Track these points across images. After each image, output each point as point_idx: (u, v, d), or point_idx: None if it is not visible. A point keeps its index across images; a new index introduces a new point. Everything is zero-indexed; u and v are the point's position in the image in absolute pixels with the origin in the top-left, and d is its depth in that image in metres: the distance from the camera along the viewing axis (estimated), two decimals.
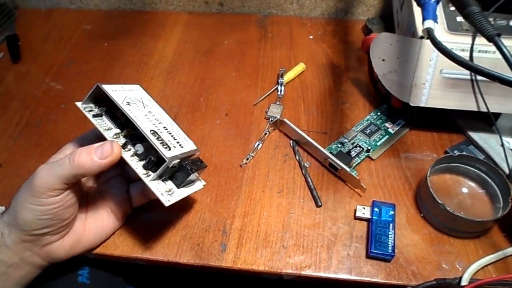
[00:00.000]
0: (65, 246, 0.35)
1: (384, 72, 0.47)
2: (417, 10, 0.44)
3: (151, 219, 0.42)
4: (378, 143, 0.47)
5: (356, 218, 0.41)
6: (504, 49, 0.31)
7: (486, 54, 0.41)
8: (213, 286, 0.61)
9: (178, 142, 0.37)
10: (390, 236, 0.38)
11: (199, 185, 0.39)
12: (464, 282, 0.36)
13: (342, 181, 0.44)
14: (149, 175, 0.34)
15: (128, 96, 0.37)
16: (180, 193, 0.36)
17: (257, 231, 0.41)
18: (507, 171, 0.42)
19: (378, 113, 0.50)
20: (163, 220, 0.42)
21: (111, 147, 0.32)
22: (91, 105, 0.36)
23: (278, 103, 0.52)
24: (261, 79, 0.56)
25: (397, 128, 0.49)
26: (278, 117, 0.49)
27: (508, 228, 0.40)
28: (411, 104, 0.44)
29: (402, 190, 0.43)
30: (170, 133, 0.37)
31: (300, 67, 0.56)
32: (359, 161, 0.45)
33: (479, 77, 0.43)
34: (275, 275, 0.38)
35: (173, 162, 0.35)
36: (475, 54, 0.42)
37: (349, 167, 0.43)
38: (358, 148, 0.46)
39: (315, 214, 0.42)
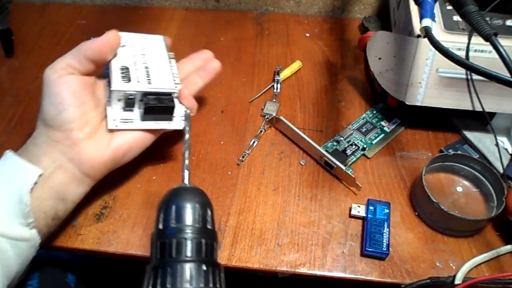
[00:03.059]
0: (93, 146, 0.37)
1: (381, 70, 0.47)
2: (414, 9, 0.44)
3: (146, 215, 0.41)
4: (374, 142, 0.47)
5: (351, 216, 0.41)
6: (501, 49, 0.31)
7: (482, 53, 0.42)
8: None
9: (148, 79, 0.40)
10: (384, 234, 0.38)
11: (176, 124, 0.41)
12: (457, 280, 0.36)
13: (338, 179, 0.44)
14: (109, 102, 0.39)
15: (135, 42, 0.43)
16: (138, 125, 0.39)
17: (252, 228, 0.40)
18: (501, 170, 0.42)
19: (374, 112, 0.50)
20: None
21: (108, 32, 0.39)
22: None
23: (274, 100, 0.52)
24: (257, 76, 0.56)
25: (393, 127, 0.49)
26: (274, 114, 0.49)
27: (501, 227, 0.40)
28: (407, 103, 0.44)
29: (397, 188, 0.44)
30: (147, 73, 0.40)
31: (296, 65, 0.56)
32: (354, 159, 0.45)
33: (475, 77, 0.43)
34: (269, 273, 0.38)
35: (126, 94, 0.38)
36: (471, 54, 0.42)
37: (345, 165, 0.43)
38: (354, 146, 0.46)
39: (310, 212, 0.42)
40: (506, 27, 0.43)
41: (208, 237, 0.29)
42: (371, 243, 0.38)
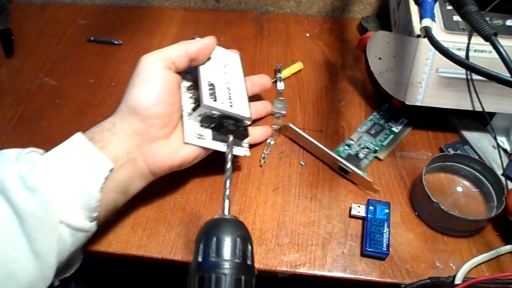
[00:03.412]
0: (167, 148, 0.37)
1: (381, 70, 0.47)
2: (414, 9, 0.44)
3: (145, 216, 0.41)
4: (384, 143, 0.47)
5: (351, 216, 0.41)
6: (501, 49, 0.31)
7: (482, 53, 0.42)
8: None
9: (230, 102, 0.40)
10: (384, 234, 0.38)
11: (240, 151, 0.42)
12: (457, 280, 0.36)
13: (353, 183, 0.44)
14: (191, 114, 0.39)
15: (217, 56, 0.42)
16: (209, 144, 0.39)
17: (252, 228, 0.40)
18: (497, 171, 0.42)
19: (381, 113, 0.50)
20: (158, 217, 0.41)
21: (209, 37, 0.41)
22: None
23: (280, 98, 0.52)
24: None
25: (401, 127, 0.49)
26: (284, 112, 0.50)
27: (501, 227, 0.40)
28: (406, 103, 0.44)
29: (397, 188, 0.44)
30: (229, 94, 0.40)
31: (297, 66, 0.55)
32: (367, 162, 0.45)
33: (474, 77, 0.43)
34: (269, 273, 0.38)
35: (211, 112, 0.38)
36: (471, 54, 0.42)
37: (359, 169, 0.43)
38: (366, 149, 0.46)
39: (310, 212, 0.42)
40: (506, 27, 0.43)
41: (247, 273, 0.28)
42: (371, 243, 0.38)
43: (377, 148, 0.46)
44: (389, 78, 0.46)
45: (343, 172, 0.44)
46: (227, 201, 0.32)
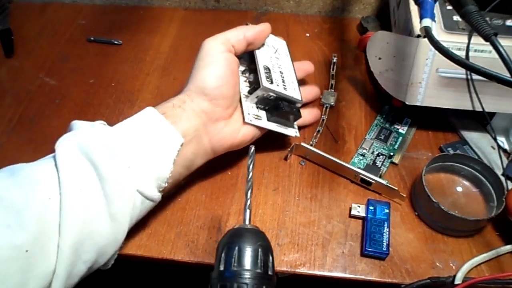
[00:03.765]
0: (229, 127, 0.40)
1: (381, 70, 0.47)
2: (414, 9, 0.44)
3: (146, 216, 0.41)
4: (396, 146, 0.47)
5: (351, 216, 0.41)
6: (501, 49, 0.31)
7: (482, 53, 0.42)
8: (207, 284, 0.61)
9: (284, 85, 0.42)
10: (384, 234, 0.38)
11: (291, 131, 0.44)
12: (457, 280, 0.36)
13: (378, 193, 0.43)
14: (248, 97, 0.42)
15: (269, 42, 0.45)
16: (265, 124, 0.42)
17: None
18: (497, 171, 0.42)
19: (384, 116, 0.50)
20: (158, 217, 0.41)
21: (264, 23, 0.42)
22: None
23: (331, 90, 0.53)
24: None
25: (406, 128, 0.49)
26: (332, 103, 0.51)
27: (501, 227, 0.40)
28: (406, 103, 0.44)
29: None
30: (282, 77, 0.43)
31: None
32: (385, 169, 0.45)
33: (474, 77, 0.43)
34: None
35: (268, 94, 0.41)
36: (471, 54, 0.42)
37: (380, 178, 0.43)
38: (381, 156, 0.46)
39: (310, 212, 0.42)
40: (506, 27, 0.43)
41: (268, 284, 0.28)
42: (371, 243, 0.38)
43: (391, 153, 0.46)
44: (389, 78, 0.46)
45: (365, 184, 0.43)
46: (248, 211, 0.33)
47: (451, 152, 0.43)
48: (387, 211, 0.40)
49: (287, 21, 0.64)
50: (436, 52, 0.35)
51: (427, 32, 0.36)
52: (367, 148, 0.47)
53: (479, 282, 0.35)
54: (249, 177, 0.34)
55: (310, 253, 0.39)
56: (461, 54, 0.42)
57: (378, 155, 0.46)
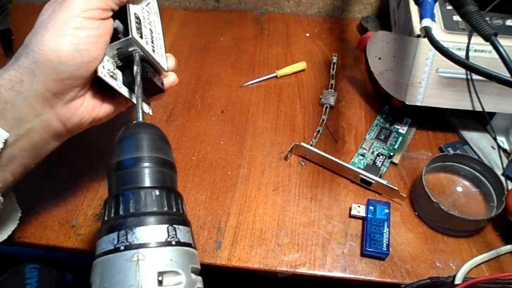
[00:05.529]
0: (87, 106, 0.32)
1: (381, 70, 0.47)
2: (414, 9, 0.44)
3: None
4: (396, 146, 0.47)
5: (351, 216, 0.41)
6: (501, 49, 0.31)
7: (482, 53, 0.42)
8: (207, 284, 0.61)
9: (153, 46, 0.36)
10: (384, 234, 0.38)
11: (145, 107, 0.37)
12: (457, 280, 0.36)
13: (378, 193, 0.43)
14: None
15: None
16: (120, 88, 0.34)
17: (252, 228, 0.40)
18: (497, 171, 0.42)
19: (384, 116, 0.50)
20: None
21: None
22: None
23: (331, 90, 0.53)
24: (257, 76, 0.55)
25: (406, 128, 0.48)
26: (332, 103, 0.51)
27: (501, 227, 0.40)
28: (406, 103, 0.44)
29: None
30: (152, 36, 0.36)
31: (300, 66, 0.55)
32: (385, 169, 0.45)
33: (474, 77, 0.43)
34: (269, 273, 0.38)
35: (134, 49, 0.33)
36: (471, 54, 0.42)
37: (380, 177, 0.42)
38: (381, 156, 0.46)
39: (310, 212, 0.42)
40: (506, 27, 0.43)
41: (168, 168, 0.29)
42: (371, 243, 0.38)
43: (391, 153, 0.46)
44: (389, 78, 0.46)
45: (365, 184, 0.43)
46: (140, 108, 0.32)
47: (451, 152, 0.43)
48: (387, 211, 0.40)
49: (287, 21, 0.64)
50: (436, 52, 0.35)
51: (427, 32, 0.36)
52: (367, 148, 0.47)
53: (479, 282, 0.35)
54: (138, 80, 0.32)
55: (310, 253, 0.39)
56: (461, 54, 0.42)
57: (378, 155, 0.46)
